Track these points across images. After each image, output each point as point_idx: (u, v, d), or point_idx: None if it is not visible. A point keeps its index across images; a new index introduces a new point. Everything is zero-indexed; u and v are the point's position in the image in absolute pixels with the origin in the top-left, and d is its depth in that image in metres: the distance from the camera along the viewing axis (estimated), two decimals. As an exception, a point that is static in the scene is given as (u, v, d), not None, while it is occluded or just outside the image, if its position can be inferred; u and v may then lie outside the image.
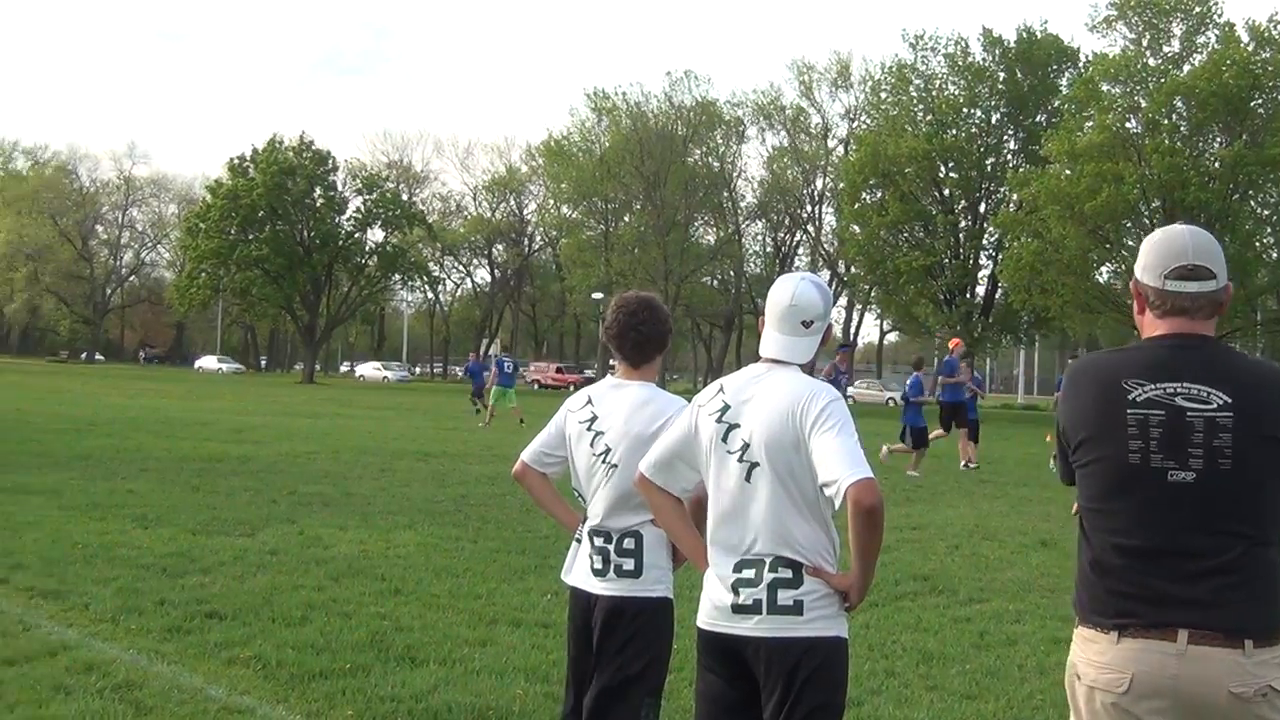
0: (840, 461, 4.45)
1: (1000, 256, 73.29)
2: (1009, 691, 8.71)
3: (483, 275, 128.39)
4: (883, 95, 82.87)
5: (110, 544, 12.89)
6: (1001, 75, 77.56)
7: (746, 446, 4.65)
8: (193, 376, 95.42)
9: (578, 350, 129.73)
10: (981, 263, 79.93)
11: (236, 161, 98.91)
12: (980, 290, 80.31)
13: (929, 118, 77.65)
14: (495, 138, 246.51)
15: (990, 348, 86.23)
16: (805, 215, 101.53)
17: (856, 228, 79.60)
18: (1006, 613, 11.34)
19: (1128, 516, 3.90)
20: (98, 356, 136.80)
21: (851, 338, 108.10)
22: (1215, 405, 3.84)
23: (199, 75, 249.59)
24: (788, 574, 4.58)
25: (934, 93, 78.55)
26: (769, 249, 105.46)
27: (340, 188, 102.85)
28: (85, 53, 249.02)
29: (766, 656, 4.57)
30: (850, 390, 61.91)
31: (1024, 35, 77.56)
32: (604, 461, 5.50)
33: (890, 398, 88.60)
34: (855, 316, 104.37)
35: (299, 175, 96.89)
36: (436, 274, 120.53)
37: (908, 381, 28.76)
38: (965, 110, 77.92)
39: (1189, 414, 3.85)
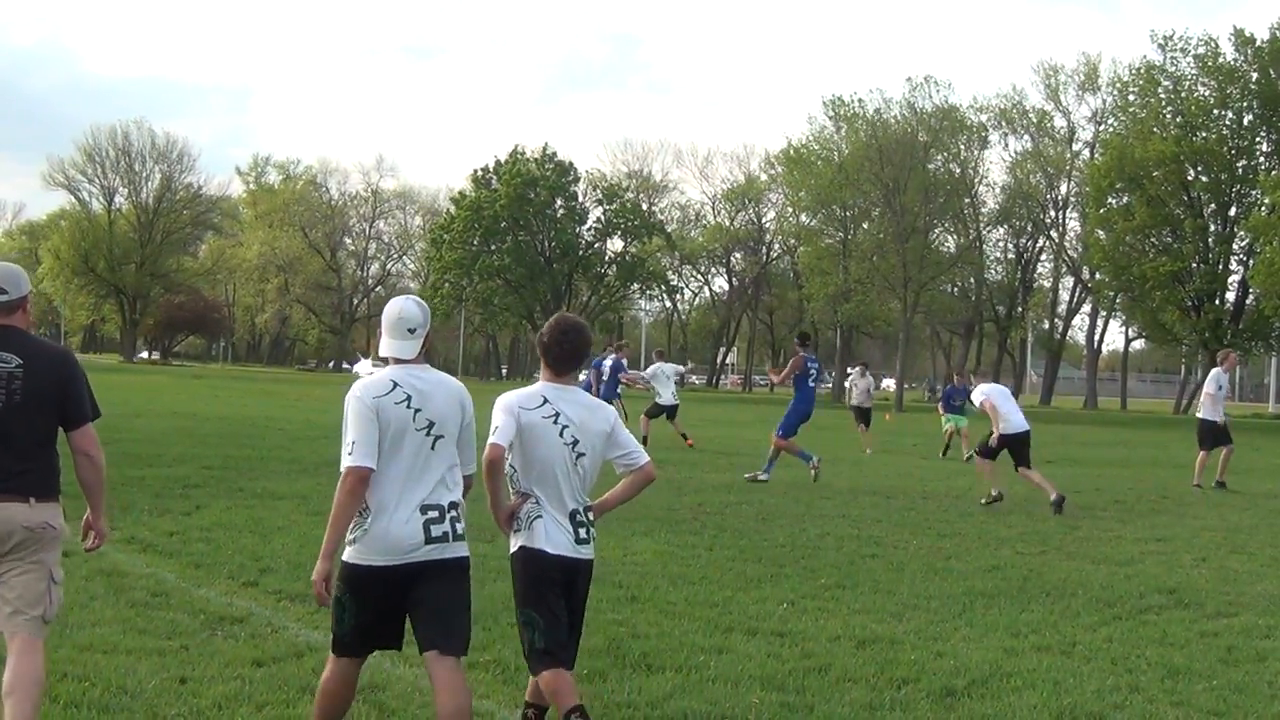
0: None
1: (1252, 262, 71.43)
2: (1258, 709, 8.48)
3: (720, 284, 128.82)
4: (1130, 97, 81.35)
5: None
6: (1254, 75, 75.61)
7: (432, 424, 6.56)
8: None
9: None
10: (1232, 268, 78.09)
11: (480, 173, 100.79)
12: (1230, 296, 78.30)
13: (1178, 120, 75.99)
14: (734, 146, 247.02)
15: (1241, 356, 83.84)
16: (1048, 221, 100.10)
17: (1102, 233, 78.39)
18: (1256, 628, 11.03)
19: None
20: (344, 365, 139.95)
21: (1096, 345, 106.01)
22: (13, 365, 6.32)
23: (445, 89, 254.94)
24: (456, 513, 6.65)
25: (1183, 94, 76.78)
26: (1010, 255, 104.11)
27: (581, 198, 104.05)
28: (335, 70, 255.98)
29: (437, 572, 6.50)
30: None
31: (1278, 34, 75.13)
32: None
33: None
34: (1100, 323, 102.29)
35: (541, 186, 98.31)
36: (675, 283, 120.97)
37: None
38: (1216, 112, 76.20)
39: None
